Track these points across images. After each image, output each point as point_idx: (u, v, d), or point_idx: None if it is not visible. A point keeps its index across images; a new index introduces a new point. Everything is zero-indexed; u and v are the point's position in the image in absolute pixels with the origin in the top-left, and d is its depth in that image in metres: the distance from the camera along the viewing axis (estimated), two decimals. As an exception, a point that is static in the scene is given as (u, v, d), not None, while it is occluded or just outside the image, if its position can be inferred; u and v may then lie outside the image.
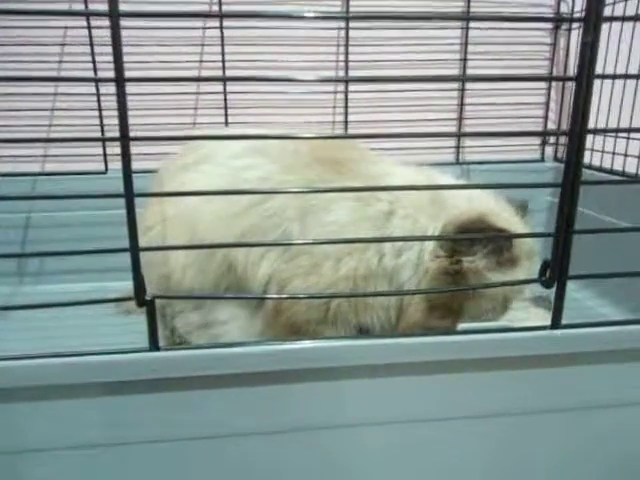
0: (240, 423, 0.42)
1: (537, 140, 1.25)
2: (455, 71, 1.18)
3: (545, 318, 0.61)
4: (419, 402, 0.44)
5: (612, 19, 0.88)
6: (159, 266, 0.64)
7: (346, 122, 1.16)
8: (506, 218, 0.60)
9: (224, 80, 1.04)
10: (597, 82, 0.42)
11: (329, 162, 0.62)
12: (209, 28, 1.09)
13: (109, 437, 0.41)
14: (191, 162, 0.69)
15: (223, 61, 1.09)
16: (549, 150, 1.24)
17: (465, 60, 1.17)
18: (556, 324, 0.43)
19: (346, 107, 1.15)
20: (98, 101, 1.05)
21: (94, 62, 1.03)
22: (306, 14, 0.40)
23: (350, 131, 1.15)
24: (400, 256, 0.58)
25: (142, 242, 0.66)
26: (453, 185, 0.61)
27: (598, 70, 0.40)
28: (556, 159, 1.23)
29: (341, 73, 1.15)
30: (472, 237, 0.55)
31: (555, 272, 0.41)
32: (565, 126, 1.22)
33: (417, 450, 0.45)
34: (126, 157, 0.37)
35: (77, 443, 0.40)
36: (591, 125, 0.44)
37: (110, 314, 0.88)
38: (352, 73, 1.13)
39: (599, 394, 0.46)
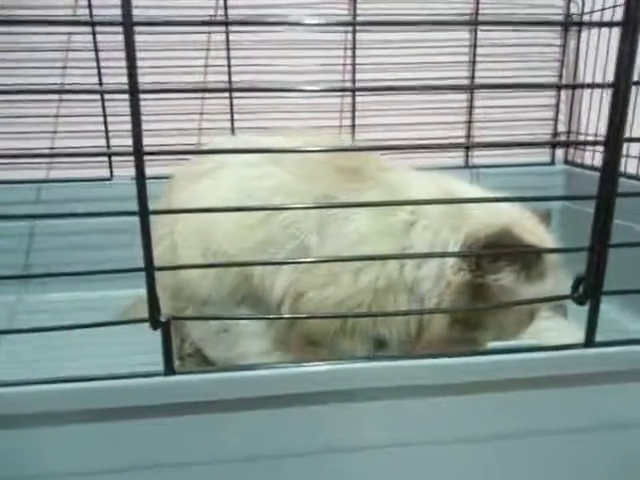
0: (260, 445, 0.40)
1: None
2: (464, 73, 1.17)
3: (571, 327, 0.59)
4: (446, 423, 0.42)
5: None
6: (173, 274, 0.63)
7: (353, 126, 1.14)
8: (531, 229, 0.58)
9: (230, 90, 1.03)
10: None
11: (347, 170, 0.61)
12: (214, 32, 1.08)
13: (127, 461, 0.39)
14: (207, 169, 0.68)
15: (229, 66, 1.07)
16: (559, 153, 1.23)
17: (474, 62, 1.15)
18: (590, 342, 0.41)
19: (353, 111, 1.13)
20: (103, 107, 1.03)
21: (99, 68, 1.02)
22: (310, 20, 0.39)
23: (357, 135, 1.14)
24: (421, 267, 0.56)
25: (155, 252, 0.66)
26: (478, 199, 0.58)
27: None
28: (566, 162, 1.22)
29: (348, 76, 1.13)
30: (499, 252, 0.53)
31: (589, 288, 0.40)
32: (575, 128, 1.21)
33: (445, 473, 0.44)
34: (140, 174, 0.34)
35: (88, 470, 0.39)
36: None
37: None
38: (359, 76, 1.12)
39: (633, 413, 0.44)
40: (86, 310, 0.92)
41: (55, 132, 1.06)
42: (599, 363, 0.42)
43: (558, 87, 1.15)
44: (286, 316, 0.53)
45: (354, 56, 1.11)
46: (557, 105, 1.21)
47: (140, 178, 0.34)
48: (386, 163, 0.65)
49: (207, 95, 1.10)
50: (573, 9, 1.16)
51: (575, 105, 1.20)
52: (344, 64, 1.13)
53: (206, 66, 1.09)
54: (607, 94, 1.07)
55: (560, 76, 1.20)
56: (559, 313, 0.68)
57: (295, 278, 0.58)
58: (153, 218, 0.67)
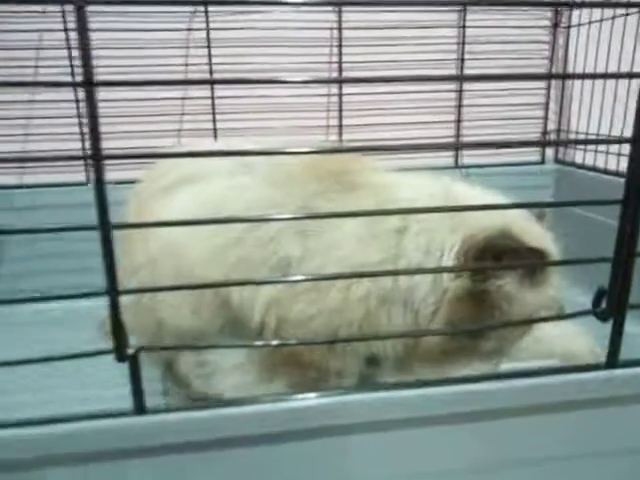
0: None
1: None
2: (452, 71, 1.14)
3: (576, 333, 0.56)
4: (458, 453, 0.38)
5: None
6: (151, 312, 0.58)
7: (340, 126, 1.11)
8: (531, 230, 0.55)
9: (211, 83, 0.98)
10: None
11: (328, 175, 0.56)
12: (195, 30, 1.03)
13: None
14: (171, 182, 0.62)
15: (210, 64, 1.03)
16: (549, 152, 1.21)
17: (462, 60, 1.13)
18: (613, 362, 0.38)
19: (340, 110, 1.10)
20: (77, 108, 0.99)
21: (72, 67, 0.97)
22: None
23: (345, 135, 1.11)
24: (415, 275, 0.52)
25: (132, 284, 0.61)
26: (484, 206, 0.54)
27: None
28: (557, 160, 1.20)
29: (334, 75, 1.10)
30: (507, 264, 0.50)
31: (613, 303, 0.36)
32: (566, 126, 1.19)
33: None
34: (100, 181, 0.29)
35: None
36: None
37: (96, 338, 0.81)
38: (346, 74, 1.09)
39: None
40: (55, 324, 0.85)
41: (26, 135, 1.01)
42: (625, 385, 0.38)
43: (550, 77, 1.13)
44: (272, 343, 0.47)
45: (340, 54, 1.07)
46: (547, 104, 1.19)
47: (100, 186, 0.29)
48: (370, 165, 0.60)
49: (188, 95, 1.06)
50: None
51: (565, 103, 1.18)
52: (330, 62, 1.10)
53: (187, 65, 1.05)
54: (598, 92, 1.05)
55: (550, 72, 1.18)
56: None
57: (276, 297, 0.53)
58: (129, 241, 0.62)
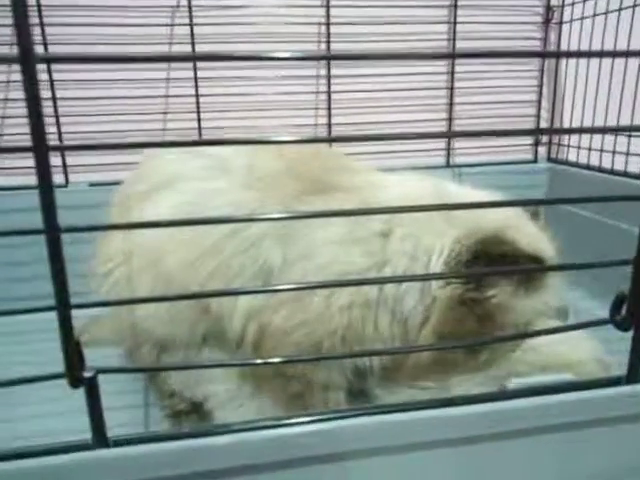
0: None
1: (529, 140, 1.19)
2: (444, 68, 1.12)
3: (581, 338, 0.53)
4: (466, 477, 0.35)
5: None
6: (126, 314, 0.55)
7: (329, 125, 1.08)
8: (526, 230, 0.51)
9: (194, 59, 0.95)
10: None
11: (308, 178, 0.53)
12: (178, 25, 1.00)
13: None
14: (148, 188, 0.59)
15: (194, 59, 0.99)
16: (542, 150, 1.19)
17: (453, 58, 1.10)
18: (634, 377, 0.34)
19: (329, 109, 1.07)
20: (54, 106, 0.94)
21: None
22: None
23: (334, 134, 1.08)
24: (402, 283, 0.49)
25: (104, 286, 0.58)
26: (474, 204, 0.48)
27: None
28: (549, 159, 1.18)
29: (323, 71, 1.07)
30: (502, 270, 0.46)
31: (635, 310, 0.32)
32: (558, 124, 1.17)
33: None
34: (45, 176, 0.24)
35: None
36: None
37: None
38: (335, 71, 1.06)
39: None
40: (16, 334, 0.78)
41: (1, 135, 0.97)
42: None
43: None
44: (258, 362, 0.42)
45: (328, 50, 1.04)
46: (539, 101, 1.17)
47: (45, 182, 0.24)
48: (353, 165, 0.58)
49: (171, 93, 1.02)
50: (553, 1, 1.12)
51: (558, 100, 1.16)
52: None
53: (169, 60, 1.02)
54: (592, 88, 1.03)
55: (542, 70, 1.16)
56: (560, 318, 0.61)
57: (256, 307, 0.50)
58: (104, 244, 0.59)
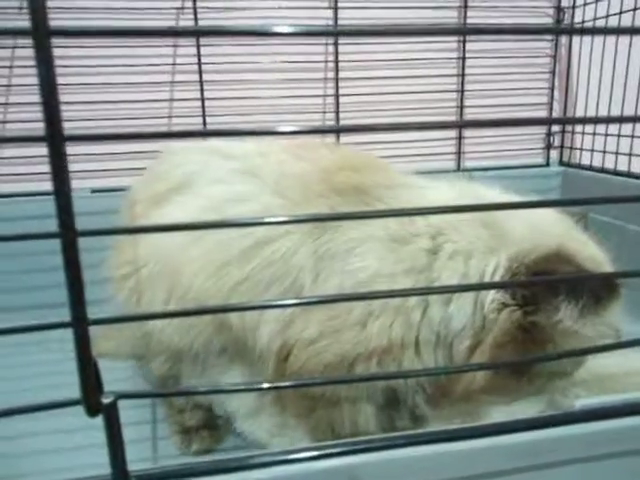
0: None
1: (541, 144, 1.17)
2: (454, 70, 1.09)
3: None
4: None
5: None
6: (138, 325, 0.52)
7: (337, 121, 1.05)
8: (584, 246, 0.46)
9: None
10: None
11: (349, 190, 0.48)
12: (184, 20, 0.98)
13: None
14: (170, 188, 0.55)
15: (199, 63, 0.98)
16: (554, 154, 1.16)
17: (464, 59, 1.08)
18: None
19: (337, 112, 1.05)
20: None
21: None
22: None
23: (343, 139, 1.05)
24: (450, 303, 0.44)
25: (120, 292, 0.54)
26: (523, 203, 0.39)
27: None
28: (561, 163, 1.15)
29: (330, 75, 1.05)
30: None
31: None
32: (570, 127, 1.14)
33: None
34: (59, 172, 0.22)
35: None
36: None
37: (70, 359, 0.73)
38: (343, 74, 1.03)
39: None
40: (26, 345, 0.74)
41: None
42: None
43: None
44: (285, 384, 0.38)
45: (336, 52, 1.02)
46: (550, 104, 1.15)
47: (60, 178, 0.22)
48: (396, 177, 0.53)
49: (175, 97, 1.00)
50: (564, 2, 1.10)
51: (569, 103, 1.14)
52: (326, 61, 1.05)
53: (174, 64, 0.99)
54: (606, 89, 1.00)
55: (553, 72, 1.13)
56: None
57: (285, 322, 0.46)
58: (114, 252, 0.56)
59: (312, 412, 0.48)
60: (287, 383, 0.41)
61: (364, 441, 0.29)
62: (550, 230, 0.46)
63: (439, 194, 0.50)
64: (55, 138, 0.22)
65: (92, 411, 0.24)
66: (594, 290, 0.42)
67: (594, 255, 0.45)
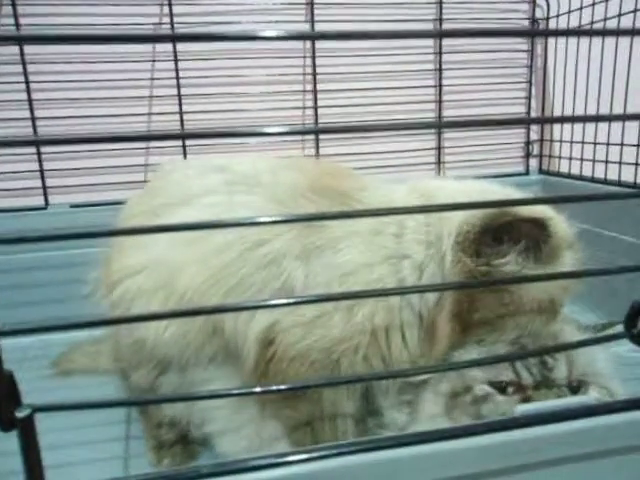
0: None
1: (520, 153, 1.18)
2: (431, 82, 1.10)
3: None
4: None
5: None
6: (129, 330, 0.52)
7: (317, 139, 1.05)
8: (528, 207, 0.50)
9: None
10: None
11: (333, 194, 0.53)
12: (160, 43, 0.98)
13: None
14: (161, 204, 0.56)
15: (177, 78, 0.98)
16: (534, 162, 1.17)
17: (440, 70, 1.09)
18: None
19: (316, 124, 1.05)
20: (34, 126, 0.92)
21: (27, 82, 0.91)
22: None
23: (323, 152, 1.05)
24: (423, 273, 0.49)
25: (108, 301, 0.55)
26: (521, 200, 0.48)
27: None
28: (541, 171, 1.16)
29: (309, 87, 1.05)
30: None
31: None
32: (548, 135, 1.15)
33: None
34: None
35: None
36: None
37: (45, 376, 0.72)
38: (321, 86, 1.04)
39: None
40: None
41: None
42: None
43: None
44: (273, 388, 0.36)
45: (313, 52, 1.03)
46: (528, 113, 1.16)
47: None
48: (365, 181, 0.58)
49: (154, 110, 1.00)
50: (538, 14, 1.12)
51: (547, 111, 1.15)
52: (304, 74, 1.05)
53: (152, 79, 1.00)
54: (581, 98, 1.02)
55: (530, 82, 1.15)
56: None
57: (273, 324, 0.48)
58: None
59: (295, 421, 0.50)
60: (259, 389, 0.41)
61: (352, 443, 0.30)
62: (492, 197, 0.51)
63: (399, 192, 0.56)
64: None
65: (5, 426, 0.23)
66: (534, 238, 0.47)
67: (532, 211, 0.49)
